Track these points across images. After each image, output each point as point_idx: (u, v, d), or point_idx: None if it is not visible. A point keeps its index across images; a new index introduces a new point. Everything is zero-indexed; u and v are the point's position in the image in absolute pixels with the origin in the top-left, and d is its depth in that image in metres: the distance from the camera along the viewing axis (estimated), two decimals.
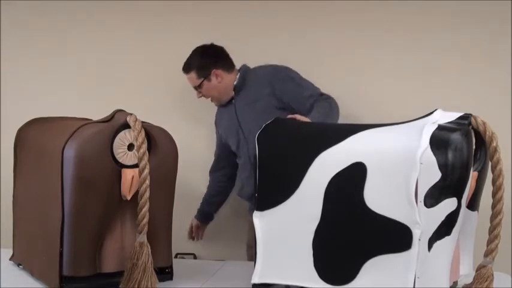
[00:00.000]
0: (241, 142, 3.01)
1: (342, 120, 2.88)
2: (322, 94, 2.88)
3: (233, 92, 3.02)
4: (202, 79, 2.98)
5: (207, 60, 3.01)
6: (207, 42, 3.10)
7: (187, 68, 3.03)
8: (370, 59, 3.19)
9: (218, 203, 3.29)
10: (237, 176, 3.20)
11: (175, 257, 3.07)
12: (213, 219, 3.32)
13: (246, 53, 3.13)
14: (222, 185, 3.25)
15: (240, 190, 3.14)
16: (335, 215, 2.08)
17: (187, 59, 3.03)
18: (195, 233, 3.28)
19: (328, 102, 2.83)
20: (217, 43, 3.06)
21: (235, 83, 3.01)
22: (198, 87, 3.02)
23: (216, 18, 3.34)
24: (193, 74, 3.00)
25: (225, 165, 3.21)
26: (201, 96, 3.07)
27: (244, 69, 3.05)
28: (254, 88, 2.97)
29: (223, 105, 3.10)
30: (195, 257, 3.36)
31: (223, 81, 3.00)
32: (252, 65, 3.08)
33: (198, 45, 3.03)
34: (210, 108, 3.18)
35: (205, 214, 3.29)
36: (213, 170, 3.26)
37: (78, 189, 2.16)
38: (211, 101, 3.10)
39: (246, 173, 2.99)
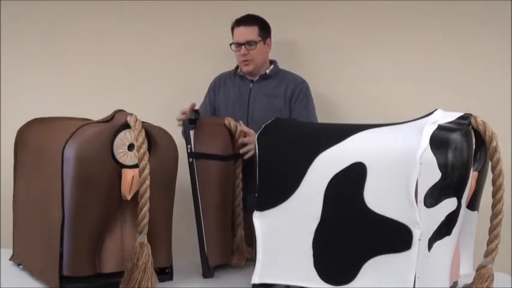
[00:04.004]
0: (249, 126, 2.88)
1: (342, 120, 2.88)
2: None
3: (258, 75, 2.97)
4: (261, 38, 2.93)
5: (268, 26, 2.99)
6: (208, 41, 3.08)
7: (251, 20, 2.95)
8: (370, 59, 3.19)
9: None
10: None
11: None
12: None
13: None
14: None
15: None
16: (335, 215, 2.08)
17: (250, 15, 2.96)
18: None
19: None
20: (217, 42, 3.04)
21: (268, 71, 2.97)
22: (252, 44, 2.90)
23: (216, 18, 3.34)
24: (256, 29, 2.92)
25: None
26: (245, 54, 2.91)
27: (277, 64, 3.03)
28: (279, 85, 2.94)
29: (237, 79, 3.00)
30: None
31: (267, 54, 2.99)
32: None
33: (198, 45, 3.00)
34: None
35: None
36: None
37: (78, 189, 2.16)
38: (245, 66, 2.93)
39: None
